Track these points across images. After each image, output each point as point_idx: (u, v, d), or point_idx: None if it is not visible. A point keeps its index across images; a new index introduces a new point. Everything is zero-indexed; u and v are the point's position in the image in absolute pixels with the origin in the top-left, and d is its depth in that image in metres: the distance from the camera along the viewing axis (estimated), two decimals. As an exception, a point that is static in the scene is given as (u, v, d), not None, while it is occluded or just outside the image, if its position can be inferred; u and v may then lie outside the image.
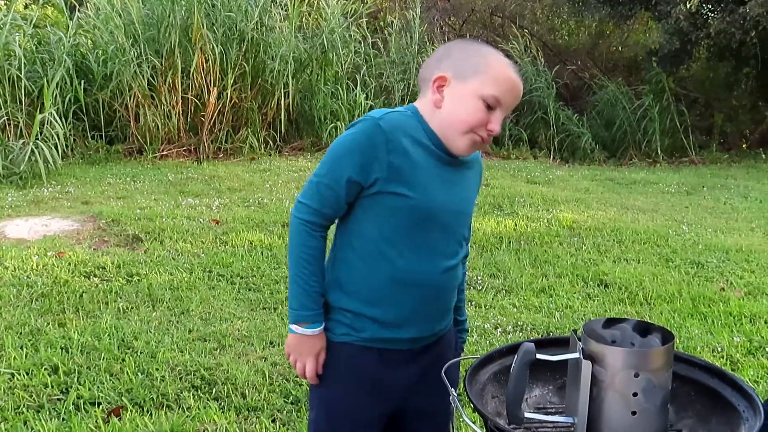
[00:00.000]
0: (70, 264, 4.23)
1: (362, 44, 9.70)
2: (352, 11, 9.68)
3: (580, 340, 1.33)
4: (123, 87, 7.92)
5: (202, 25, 8.04)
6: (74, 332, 3.30)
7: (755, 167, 9.43)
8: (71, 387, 2.82)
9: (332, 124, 8.61)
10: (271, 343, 3.32)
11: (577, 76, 11.57)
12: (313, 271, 1.55)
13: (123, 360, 3.07)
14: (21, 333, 3.30)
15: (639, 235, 5.33)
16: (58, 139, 6.97)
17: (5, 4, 8.41)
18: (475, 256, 4.72)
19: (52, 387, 2.82)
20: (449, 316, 1.67)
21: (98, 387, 2.84)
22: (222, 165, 7.75)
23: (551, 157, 9.74)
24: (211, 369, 3.02)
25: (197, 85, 8.16)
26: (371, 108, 8.44)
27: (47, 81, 7.34)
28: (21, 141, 6.87)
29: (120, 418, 2.64)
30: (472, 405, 1.35)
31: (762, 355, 3.37)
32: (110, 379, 2.91)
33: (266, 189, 6.61)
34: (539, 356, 1.30)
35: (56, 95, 7.47)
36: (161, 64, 8.04)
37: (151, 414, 2.68)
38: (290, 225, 1.56)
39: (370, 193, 1.50)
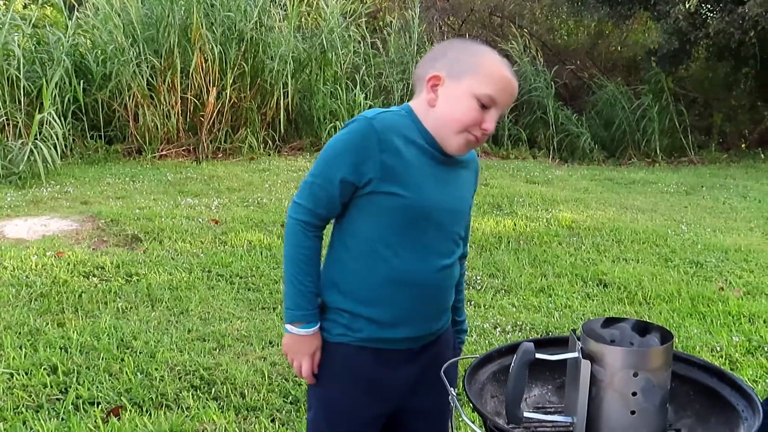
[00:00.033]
0: (69, 264, 4.22)
1: (361, 44, 9.70)
2: (351, 11, 9.68)
3: (579, 339, 1.33)
4: (122, 87, 7.92)
5: (201, 24, 8.04)
6: (73, 332, 3.29)
7: (754, 167, 9.43)
8: (70, 387, 2.82)
9: (331, 124, 8.62)
10: (271, 342, 3.32)
11: (576, 75, 11.57)
12: (307, 271, 1.55)
13: (122, 360, 3.07)
14: (20, 333, 3.30)
15: (638, 235, 5.33)
16: (57, 139, 6.97)
17: (4, 4, 8.41)
18: (474, 256, 4.72)
19: (51, 387, 2.82)
20: (447, 315, 1.67)
21: (97, 387, 2.84)
22: (221, 165, 7.75)
23: (550, 156, 9.75)
24: (210, 369, 3.02)
25: (196, 85, 8.15)
26: (370, 108, 8.43)
27: (46, 81, 7.33)
28: (20, 141, 6.87)
29: (119, 418, 2.63)
30: (471, 404, 1.35)
31: (761, 355, 3.38)
32: (109, 379, 2.91)
33: (265, 189, 6.61)
34: (538, 356, 1.30)
35: (55, 95, 7.46)
36: (160, 64, 8.03)
37: (150, 414, 2.68)
38: (286, 225, 1.57)
39: (364, 193, 1.50)
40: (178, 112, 8.10)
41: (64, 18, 8.79)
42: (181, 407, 2.74)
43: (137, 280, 4.07)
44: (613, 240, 5.22)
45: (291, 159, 8.29)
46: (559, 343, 1.49)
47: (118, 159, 7.81)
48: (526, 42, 10.98)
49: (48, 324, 3.41)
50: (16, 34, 7.75)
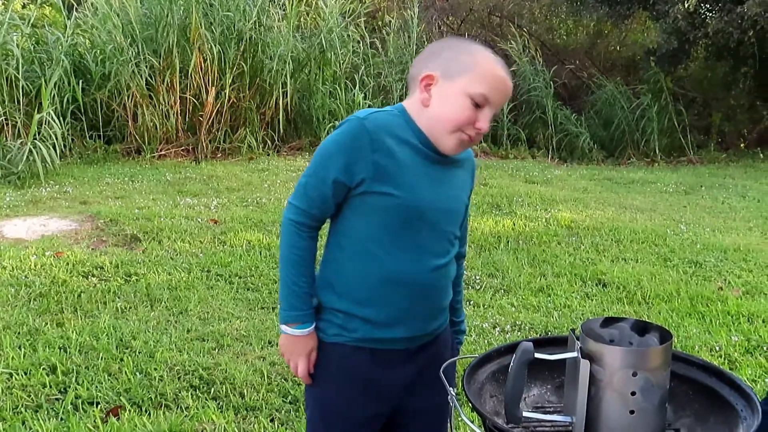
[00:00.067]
0: (68, 264, 4.22)
1: (360, 44, 9.70)
2: (350, 11, 9.68)
3: (578, 339, 1.33)
4: (121, 87, 7.91)
5: (200, 24, 8.04)
6: (72, 332, 3.29)
7: (753, 167, 9.44)
8: (69, 387, 2.82)
9: (330, 124, 8.61)
10: (270, 342, 3.32)
11: (575, 75, 11.58)
12: (301, 272, 1.56)
13: (121, 360, 3.07)
14: (19, 333, 3.30)
15: (637, 235, 5.33)
16: (56, 138, 6.97)
17: (3, 3, 8.40)
18: (473, 256, 4.72)
19: (51, 387, 2.82)
20: (444, 315, 1.66)
21: (96, 387, 2.83)
22: (220, 165, 7.75)
23: (549, 156, 9.75)
24: (209, 369, 3.02)
25: (195, 85, 8.15)
26: (369, 107, 8.44)
27: (45, 81, 7.33)
28: (19, 141, 6.87)
29: (118, 418, 2.63)
30: (470, 404, 1.35)
31: (760, 354, 3.38)
32: (108, 379, 2.91)
33: (264, 189, 6.61)
34: (537, 355, 1.30)
35: (54, 95, 7.46)
36: (159, 64, 8.03)
37: (149, 414, 2.68)
38: (281, 226, 1.58)
39: (357, 193, 1.51)
40: (177, 111, 8.10)
41: (62, 18, 8.79)
42: (181, 407, 2.74)
43: (136, 280, 4.07)
44: (612, 240, 5.22)
45: (290, 159, 8.29)
46: (558, 343, 1.50)
47: (117, 159, 7.81)
48: (525, 42, 10.98)
49: (47, 324, 3.41)
50: (14, 33, 7.74)
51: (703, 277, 4.46)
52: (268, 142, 8.61)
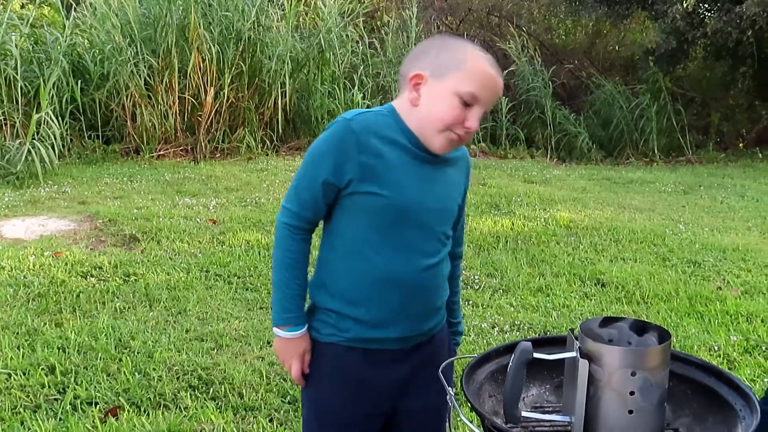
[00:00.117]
0: (66, 264, 4.22)
1: (359, 44, 9.70)
2: (349, 11, 9.67)
3: (577, 339, 1.33)
4: (120, 87, 7.91)
5: (199, 24, 8.04)
6: (71, 332, 3.29)
7: (752, 166, 9.44)
8: (68, 387, 2.82)
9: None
10: (269, 342, 3.32)
11: (574, 75, 11.58)
12: (294, 274, 1.57)
13: (120, 360, 3.07)
14: (18, 333, 3.30)
15: (636, 235, 5.33)
16: (55, 138, 6.96)
17: (1, 3, 8.39)
18: (472, 256, 4.73)
19: (49, 387, 2.82)
20: (439, 315, 1.65)
21: (95, 387, 2.83)
22: (219, 165, 7.74)
23: (548, 156, 9.75)
24: (208, 369, 3.02)
25: (194, 85, 8.15)
26: (368, 107, 8.45)
27: (44, 81, 7.32)
28: (18, 141, 6.86)
29: (117, 418, 2.63)
30: (469, 404, 1.35)
31: (758, 354, 3.38)
32: (107, 379, 2.90)
33: (263, 189, 6.61)
34: (536, 355, 1.30)
35: (53, 95, 7.45)
36: (158, 64, 8.03)
37: (148, 414, 2.68)
38: (275, 229, 1.59)
39: (346, 194, 1.51)
40: (175, 111, 8.09)
41: (61, 18, 8.78)
42: (179, 407, 2.74)
43: (135, 280, 4.07)
44: (611, 239, 5.22)
45: (289, 159, 8.29)
46: (557, 343, 1.49)
47: (115, 159, 7.80)
48: (524, 42, 10.99)
49: (46, 324, 3.40)
50: (13, 33, 7.74)
51: (701, 277, 4.46)
52: (267, 142, 8.61)
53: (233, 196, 6.26)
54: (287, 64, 8.57)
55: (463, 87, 1.47)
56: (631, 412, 1.28)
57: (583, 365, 1.28)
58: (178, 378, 2.95)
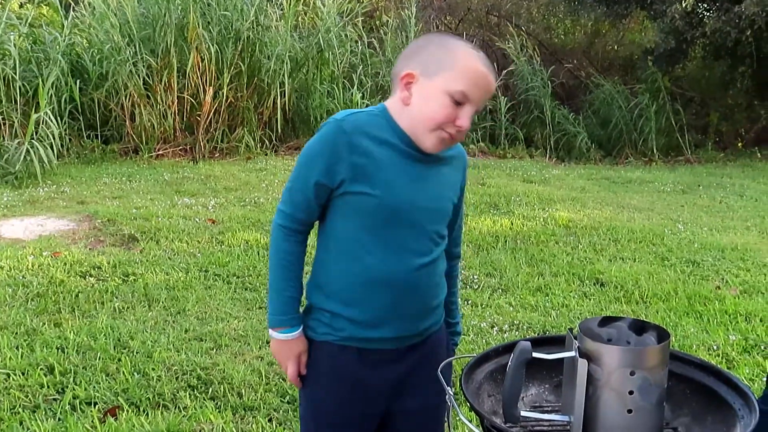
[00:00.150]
0: (65, 264, 4.22)
1: (358, 43, 9.70)
2: (348, 10, 9.67)
3: (576, 338, 1.33)
4: (118, 86, 7.90)
5: (198, 24, 8.03)
6: (70, 332, 3.29)
7: (750, 166, 9.45)
8: (67, 387, 2.82)
9: (328, 124, 8.60)
10: (268, 342, 3.29)
11: (573, 75, 11.58)
12: (288, 276, 1.57)
13: (119, 360, 3.07)
14: (16, 333, 3.29)
15: (635, 234, 5.34)
16: (54, 138, 6.96)
17: (0, 3, 8.38)
18: (471, 255, 4.73)
19: (48, 387, 2.82)
20: (435, 315, 1.64)
21: (94, 387, 2.83)
22: (218, 164, 7.74)
23: (547, 156, 9.76)
24: (207, 369, 3.02)
25: (193, 85, 8.14)
26: (367, 107, 8.44)
27: (42, 80, 7.32)
28: (16, 141, 6.86)
29: (116, 418, 2.63)
30: (468, 404, 1.35)
31: (757, 353, 3.38)
32: (106, 379, 2.90)
33: (262, 188, 6.61)
34: (535, 355, 1.30)
35: (51, 95, 7.45)
36: (157, 64, 8.02)
37: (147, 414, 2.68)
38: (271, 231, 1.60)
39: (338, 194, 1.52)
40: (174, 111, 8.09)
41: (60, 17, 8.77)
42: (179, 407, 2.74)
43: (134, 280, 4.06)
44: (610, 239, 5.22)
45: (288, 158, 8.29)
46: (556, 342, 1.49)
47: (114, 159, 7.80)
48: (523, 41, 10.99)
49: (45, 324, 3.40)
50: (12, 33, 7.73)
51: (700, 277, 4.46)
52: (266, 141, 8.60)
53: (232, 195, 6.26)
54: (286, 63, 8.57)
55: (454, 86, 1.46)
56: (630, 411, 1.28)
57: (582, 365, 1.28)
58: (177, 378, 2.95)
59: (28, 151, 6.58)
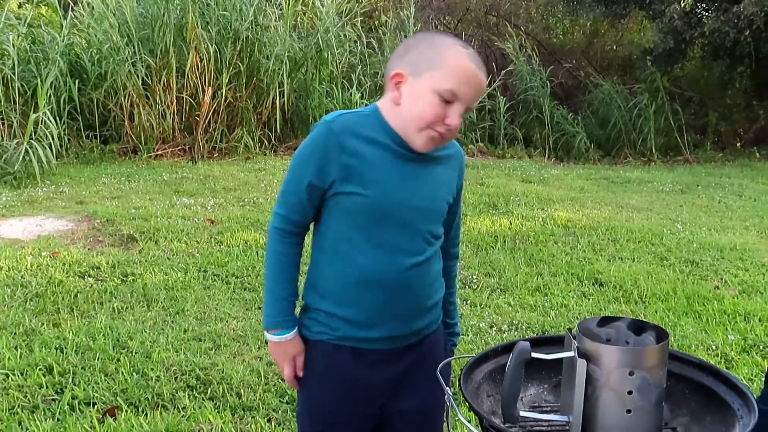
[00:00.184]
0: (64, 264, 4.21)
1: (357, 44, 9.69)
2: (347, 10, 9.67)
3: (575, 338, 1.33)
4: (117, 86, 7.90)
5: (197, 24, 8.03)
6: (69, 332, 3.29)
7: (749, 166, 9.45)
8: (66, 387, 2.82)
9: (327, 124, 8.59)
10: (267, 342, 3.30)
11: (571, 75, 11.58)
12: (282, 278, 1.58)
13: (118, 360, 3.06)
14: (15, 333, 3.29)
15: (634, 234, 5.34)
16: (53, 138, 6.95)
17: (-1, 3, 8.38)
18: (470, 255, 4.73)
19: (47, 387, 2.82)
20: (431, 315, 1.63)
21: (93, 387, 2.83)
22: (217, 164, 7.74)
23: (546, 156, 9.76)
24: (206, 369, 3.02)
25: (192, 85, 8.14)
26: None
27: (41, 80, 7.32)
28: (15, 141, 6.85)
29: (115, 419, 2.63)
30: (467, 404, 1.35)
31: (756, 353, 3.38)
32: (105, 380, 2.90)
33: (261, 188, 6.60)
34: (534, 355, 1.30)
35: (50, 95, 7.44)
36: (156, 64, 8.02)
37: (146, 414, 2.68)
38: (267, 233, 1.61)
39: (330, 195, 1.53)
40: (173, 111, 8.08)
41: (59, 17, 8.77)
42: (177, 407, 2.73)
43: (133, 280, 4.06)
44: (608, 239, 5.23)
45: (287, 158, 8.28)
46: (555, 342, 1.49)
47: (113, 159, 7.79)
48: (521, 41, 10.99)
49: (43, 324, 3.40)
50: (10, 33, 7.73)
51: (699, 276, 4.47)
52: (265, 141, 8.60)
53: (231, 195, 6.26)
54: (285, 63, 8.57)
55: (442, 84, 1.46)
56: (629, 411, 1.28)
57: (581, 365, 1.28)
58: (176, 378, 2.95)
59: (26, 151, 6.58)
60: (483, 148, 9.54)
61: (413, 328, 1.60)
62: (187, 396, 2.81)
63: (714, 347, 3.42)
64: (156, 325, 3.47)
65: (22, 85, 7.42)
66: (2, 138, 7.02)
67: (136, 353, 3.14)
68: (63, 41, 7.94)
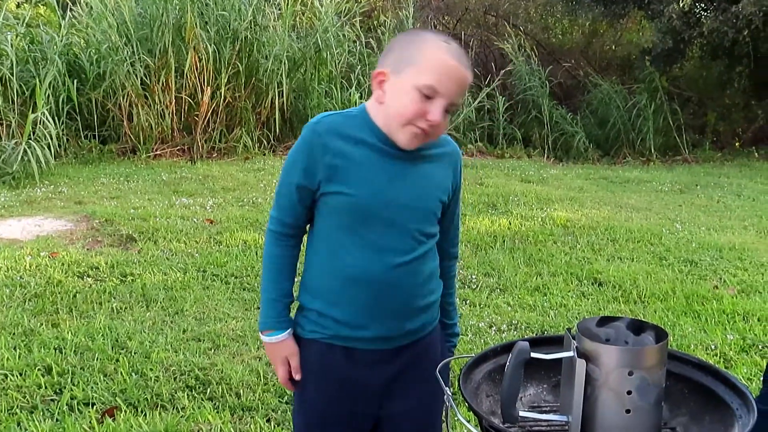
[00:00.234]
0: (63, 264, 4.21)
1: (356, 43, 9.69)
2: (346, 10, 9.67)
3: (574, 338, 1.33)
4: (116, 86, 7.89)
5: (196, 24, 8.02)
6: (68, 333, 3.28)
7: (748, 165, 9.46)
8: (65, 388, 2.81)
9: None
10: (266, 342, 3.31)
11: (570, 75, 11.59)
12: (276, 279, 1.60)
13: (117, 360, 3.06)
14: (14, 333, 3.29)
15: (633, 234, 5.34)
16: (51, 138, 6.95)
17: (-3, 3, 8.37)
18: (469, 255, 4.73)
19: (46, 388, 2.81)
20: (424, 316, 1.62)
21: (92, 387, 2.83)
22: (216, 164, 7.73)
23: (545, 155, 9.76)
24: (205, 369, 3.02)
25: (191, 85, 8.13)
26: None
27: (40, 80, 7.31)
28: (13, 141, 6.85)
29: (114, 419, 2.63)
30: (466, 404, 1.35)
31: (755, 353, 3.39)
32: (104, 380, 2.90)
33: (260, 188, 6.60)
34: (533, 355, 1.30)
35: (49, 95, 7.44)
36: (154, 64, 8.01)
37: (145, 414, 2.67)
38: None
39: (319, 196, 1.55)
40: (172, 111, 8.08)
41: (57, 17, 8.76)
42: (177, 407, 2.73)
43: (132, 280, 4.06)
44: (607, 239, 5.23)
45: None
46: (554, 342, 1.49)
47: (112, 159, 7.79)
48: (520, 41, 10.99)
49: (42, 324, 3.40)
50: (9, 33, 7.72)
51: (698, 276, 4.47)
52: (264, 141, 8.60)
53: (230, 195, 6.26)
54: (284, 63, 8.56)
55: (422, 80, 1.46)
56: (628, 411, 1.28)
57: (581, 365, 1.28)
58: (175, 378, 2.95)
59: (25, 151, 6.57)
60: (482, 148, 9.54)
61: (406, 329, 1.59)
62: (186, 396, 2.81)
63: (713, 347, 3.42)
64: (155, 326, 3.47)
65: (20, 85, 7.41)
66: (1, 138, 7.02)
67: (135, 353, 3.14)
68: (61, 41, 7.93)
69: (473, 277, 4.35)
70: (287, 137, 8.93)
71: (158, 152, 7.97)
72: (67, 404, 2.71)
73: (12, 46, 7.45)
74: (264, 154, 8.37)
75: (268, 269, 1.61)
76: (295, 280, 1.65)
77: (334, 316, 1.56)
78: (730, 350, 3.39)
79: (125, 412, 2.68)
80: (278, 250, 1.60)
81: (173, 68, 7.99)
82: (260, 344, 3.27)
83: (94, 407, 2.70)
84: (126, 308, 3.68)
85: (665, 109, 10.15)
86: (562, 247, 5.00)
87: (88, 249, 4.59)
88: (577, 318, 3.71)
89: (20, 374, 2.90)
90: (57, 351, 3.12)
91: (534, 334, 3.49)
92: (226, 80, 8.22)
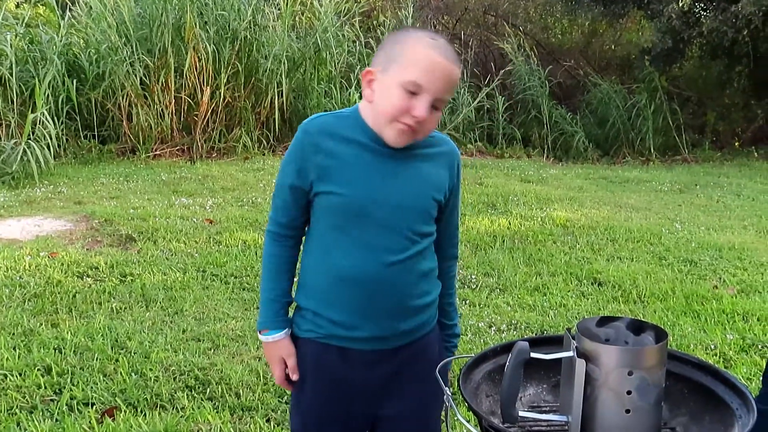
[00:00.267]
0: (62, 264, 4.21)
1: (356, 43, 9.69)
2: (345, 10, 9.67)
3: (573, 338, 1.33)
4: (115, 86, 7.89)
5: (195, 24, 8.02)
6: (67, 333, 3.28)
7: (747, 165, 9.46)
8: (64, 388, 2.81)
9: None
10: (265, 342, 3.31)
11: (570, 74, 11.59)
12: (272, 278, 1.62)
13: (116, 360, 3.06)
14: (14, 334, 3.29)
15: (632, 234, 5.34)
16: (51, 138, 6.95)
17: (-3, 3, 8.37)
18: (469, 255, 4.73)
19: (45, 388, 2.81)
20: (420, 316, 1.61)
21: (92, 387, 2.83)
22: (215, 164, 7.73)
23: (545, 155, 9.76)
24: (205, 369, 3.02)
25: (190, 85, 8.13)
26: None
27: (39, 80, 7.31)
28: (13, 141, 6.84)
29: (114, 419, 2.63)
30: (466, 404, 1.35)
31: (755, 353, 3.39)
32: (104, 380, 2.90)
33: (260, 188, 6.60)
34: (533, 355, 1.30)
35: (48, 95, 7.43)
36: (154, 64, 8.01)
37: (144, 414, 2.67)
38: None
39: (312, 196, 1.56)
40: (171, 111, 8.08)
41: (56, 17, 8.76)
42: (176, 407, 2.73)
43: (131, 280, 4.06)
44: (607, 239, 5.23)
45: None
46: (554, 342, 1.49)
47: (111, 159, 7.78)
48: (520, 41, 10.99)
49: (42, 325, 3.39)
50: (8, 33, 7.72)
51: (698, 276, 4.47)
52: (264, 141, 8.60)
53: (230, 195, 6.26)
54: (284, 63, 8.56)
55: (405, 76, 1.47)
56: (628, 411, 1.28)
57: (580, 365, 1.28)
58: (174, 378, 2.95)
59: (24, 151, 6.57)
60: (481, 148, 9.54)
61: (401, 329, 1.58)
62: (185, 396, 2.81)
63: (713, 347, 3.42)
64: (155, 326, 3.47)
65: (19, 85, 7.41)
66: (0, 138, 7.01)
67: (134, 353, 3.14)
68: (61, 41, 7.93)
69: (473, 277, 4.35)
70: (287, 137, 8.93)
71: (158, 152, 7.97)
72: (66, 404, 2.71)
73: (11, 46, 7.44)
74: (263, 154, 8.36)
75: (267, 269, 1.63)
76: (295, 280, 1.66)
77: (329, 317, 1.56)
78: (730, 350, 3.40)
79: (125, 412, 2.68)
80: (276, 250, 1.62)
81: (173, 68, 7.99)
82: (260, 344, 3.26)
83: (94, 407, 2.70)
84: (125, 308, 3.68)
85: (665, 108, 10.15)
86: (561, 247, 5.00)
87: (87, 249, 4.59)
88: (576, 318, 3.71)
89: (20, 374, 2.90)
90: (56, 351, 3.12)
91: (534, 334, 3.49)
92: (225, 80, 8.22)
